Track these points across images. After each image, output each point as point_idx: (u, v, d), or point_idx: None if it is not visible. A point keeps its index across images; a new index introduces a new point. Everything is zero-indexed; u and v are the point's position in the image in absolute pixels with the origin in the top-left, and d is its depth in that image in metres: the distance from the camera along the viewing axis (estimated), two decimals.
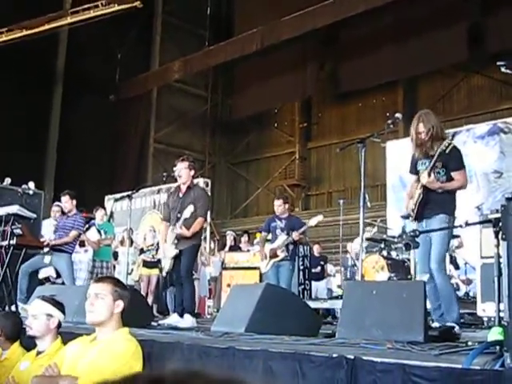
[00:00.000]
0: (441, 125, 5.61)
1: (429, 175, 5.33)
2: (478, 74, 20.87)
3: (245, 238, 13.42)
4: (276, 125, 26.78)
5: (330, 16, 18.59)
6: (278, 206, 8.68)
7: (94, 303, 3.55)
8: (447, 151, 5.32)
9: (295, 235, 8.39)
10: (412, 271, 8.94)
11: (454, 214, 5.49)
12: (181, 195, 6.97)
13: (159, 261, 12.05)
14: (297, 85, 23.32)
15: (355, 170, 21.03)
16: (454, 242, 10.37)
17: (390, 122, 6.00)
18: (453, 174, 5.42)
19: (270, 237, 8.77)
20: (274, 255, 8.49)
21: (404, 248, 7.66)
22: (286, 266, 8.48)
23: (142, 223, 16.41)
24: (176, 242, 6.80)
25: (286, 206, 8.73)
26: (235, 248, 13.33)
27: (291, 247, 8.51)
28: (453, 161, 5.41)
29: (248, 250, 12.73)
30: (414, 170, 5.73)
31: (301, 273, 11.51)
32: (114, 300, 3.56)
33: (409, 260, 9.33)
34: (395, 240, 9.87)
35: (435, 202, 5.42)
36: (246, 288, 5.97)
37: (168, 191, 16.17)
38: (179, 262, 6.83)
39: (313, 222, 8.58)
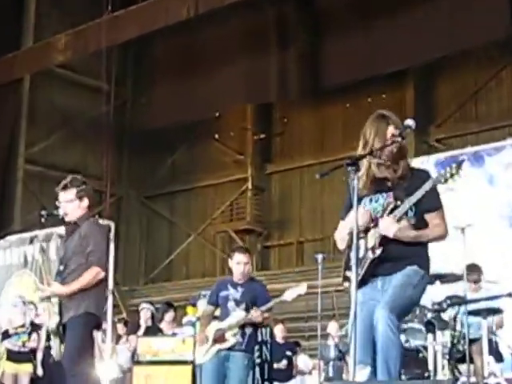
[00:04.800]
0: None
1: (398, 221, 5.33)
2: None
3: (169, 315, 13.21)
4: (217, 136, 26.88)
5: None
6: (244, 264, 8.57)
7: None
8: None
9: (257, 314, 8.28)
10: (431, 366, 8.83)
11: (428, 271, 5.50)
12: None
13: (33, 351, 11.77)
14: (252, 78, 23.34)
15: (339, 208, 21.00)
16: (494, 319, 10.27)
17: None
18: (428, 216, 5.44)
19: (218, 312, 8.70)
20: (220, 339, 8.42)
21: (424, 329, 7.52)
22: (238, 359, 8.40)
23: (6, 290, 16.17)
24: (58, 310, 6.75)
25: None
26: (154, 330, 13.20)
27: (249, 331, 8.43)
28: (430, 197, 5.36)
29: (174, 334, 12.74)
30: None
31: (257, 369, 11.44)
32: None
33: (425, 349, 9.18)
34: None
35: (400, 257, 5.40)
36: None
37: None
38: None
39: (290, 295, 8.47)
